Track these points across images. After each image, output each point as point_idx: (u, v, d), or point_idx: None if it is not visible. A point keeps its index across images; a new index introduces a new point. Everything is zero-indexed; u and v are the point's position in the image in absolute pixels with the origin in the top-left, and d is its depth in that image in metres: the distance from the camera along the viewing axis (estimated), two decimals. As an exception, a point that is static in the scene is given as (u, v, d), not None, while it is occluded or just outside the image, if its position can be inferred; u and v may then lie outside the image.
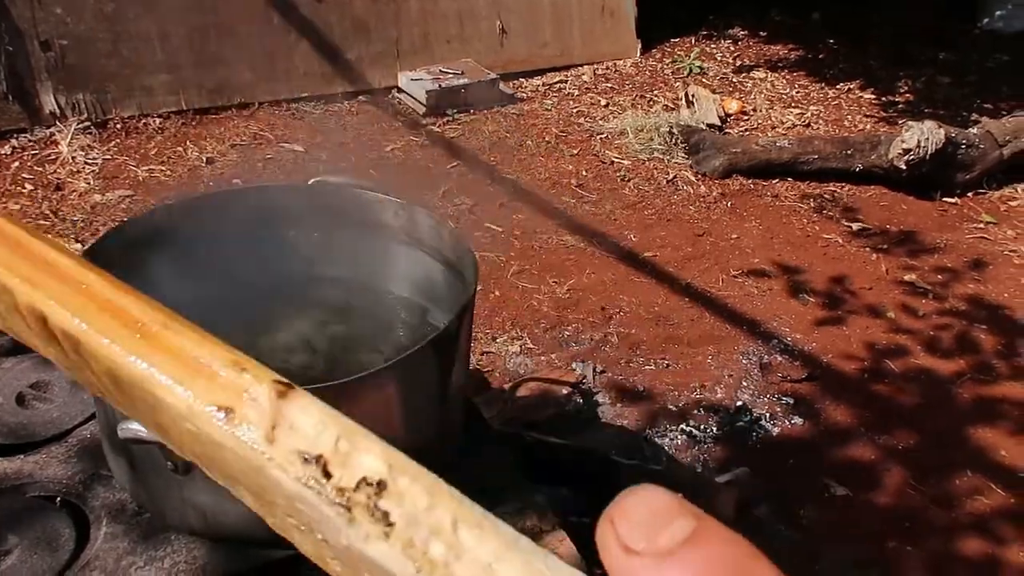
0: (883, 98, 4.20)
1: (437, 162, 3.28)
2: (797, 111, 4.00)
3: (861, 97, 4.21)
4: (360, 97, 3.77)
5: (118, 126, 3.27)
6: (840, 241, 2.84)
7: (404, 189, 3.04)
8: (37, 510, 1.04)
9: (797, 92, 4.20)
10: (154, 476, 0.99)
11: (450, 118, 3.65)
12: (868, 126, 3.87)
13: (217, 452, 0.19)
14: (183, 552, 1.00)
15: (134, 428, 0.88)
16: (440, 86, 3.70)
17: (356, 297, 1.35)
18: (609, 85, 4.16)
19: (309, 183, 1.38)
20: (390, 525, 0.17)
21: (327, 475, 0.17)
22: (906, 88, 4.30)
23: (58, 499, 1.07)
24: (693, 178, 3.21)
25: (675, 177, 3.21)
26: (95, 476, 1.10)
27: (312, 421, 0.17)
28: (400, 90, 3.84)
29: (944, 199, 3.17)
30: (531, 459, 1.43)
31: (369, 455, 0.17)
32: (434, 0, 3.98)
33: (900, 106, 4.11)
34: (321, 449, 0.17)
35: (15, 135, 3.09)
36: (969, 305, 2.50)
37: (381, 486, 0.17)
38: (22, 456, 1.12)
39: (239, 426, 0.18)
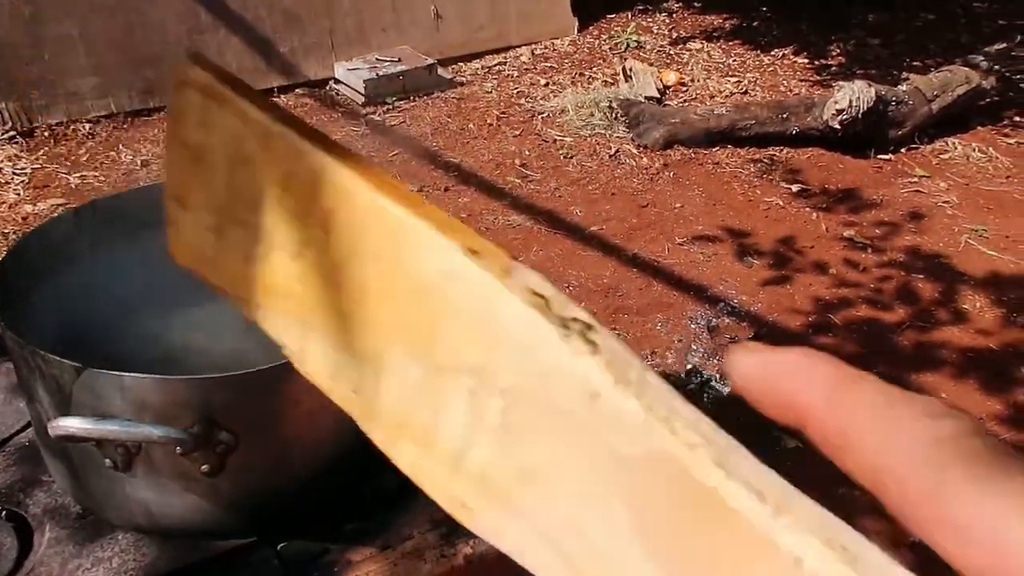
0: (816, 62, 4.28)
1: (379, 151, 3.26)
2: (734, 79, 4.05)
3: (795, 62, 4.28)
4: (297, 90, 3.72)
5: (45, 134, 3.17)
6: (781, 203, 2.90)
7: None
8: (-25, 522, 1.01)
9: (733, 61, 4.26)
10: (94, 476, 0.97)
11: (390, 106, 3.62)
12: (803, 90, 3.95)
13: (449, 283, 0.21)
14: (131, 551, 0.99)
15: (65, 424, 0.86)
16: (377, 75, 3.67)
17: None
18: (548, 64, 4.16)
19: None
20: (596, 349, 0.20)
21: (548, 307, 0.20)
22: (838, 51, 4.39)
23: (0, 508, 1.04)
24: (635, 151, 3.24)
25: (617, 151, 3.24)
26: (35, 482, 1.08)
27: (536, 279, 0.21)
28: (337, 81, 3.80)
29: (879, 156, 3.25)
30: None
31: (580, 310, 0.21)
32: (365, -12, 3.94)
33: (833, 69, 4.20)
34: (545, 292, 0.20)
35: (-64, 149, 2.98)
36: (907, 256, 2.57)
37: (590, 328, 0.20)
38: (-44, 469, 1.09)
39: (481, 261, 0.21)
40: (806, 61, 4.28)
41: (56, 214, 2.73)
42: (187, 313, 1.23)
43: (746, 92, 3.92)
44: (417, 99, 3.69)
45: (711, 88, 3.95)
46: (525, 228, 2.71)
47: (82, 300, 1.15)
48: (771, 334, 2.20)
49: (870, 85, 3.19)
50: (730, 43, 4.47)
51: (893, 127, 3.26)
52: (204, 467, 0.93)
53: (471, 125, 3.48)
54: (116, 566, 0.97)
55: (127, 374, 0.87)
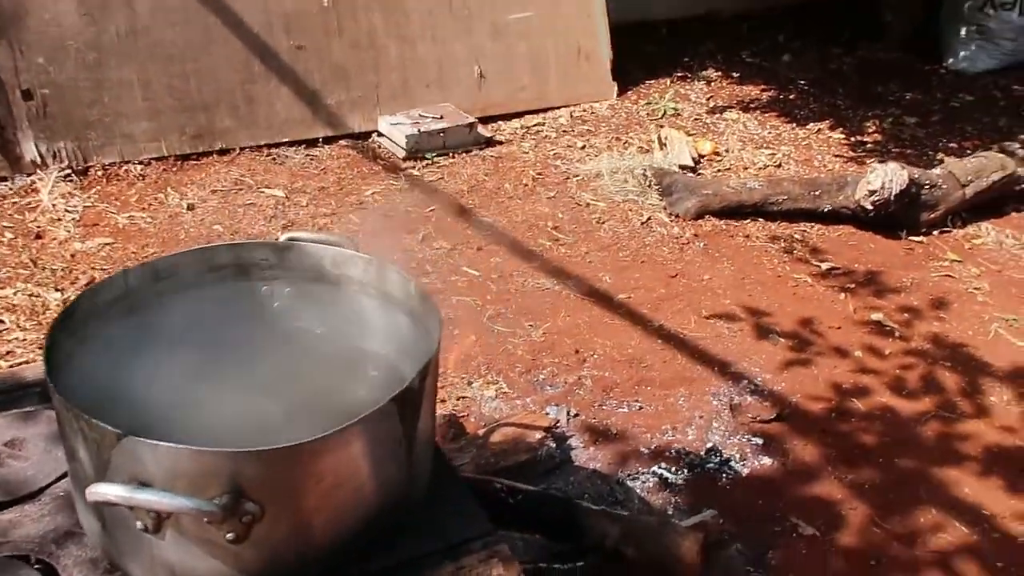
0: (852, 138, 4.31)
1: (416, 206, 3.34)
2: (768, 151, 4.10)
3: (831, 137, 4.32)
4: (341, 141, 3.84)
5: (99, 173, 3.31)
6: (809, 281, 2.91)
7: (384, 234, 3.11)
8: (11, 568, 1.06)
9: (768, 133, 4.31)
10: (125, 535, 1.01)
11: (429, 161, 3.72)
12: (837, 166, 3.98)
13: None
14: (153, 609, 1.02)
15: (102, 491, 0.91)
16: (419, 130, 3.77)
17: (327, 351, 1.39)
18: (586, 127, 4.25)
19: (280, 240, 1.42)
20: None
21: None
22: (874, 128, 4.43)
23: (31, 557, 1.09)
24: (667, 219, 3.28)
25: (649, 219, 3.28)
26: (68, 534, 1.12)
27: None
28: (380, 134, 3.91)
29: (911, 238, 3.25)
30: (500, 505, 1.46)
31: None
32: (413, 47, 4.07)
33: (868, 145, 4.23)
34: None
35: (-4, 183, 3.12)
36: (933, 344, 2.56)
37: None
38: (-4, 514, 1.14)
39: None
40: (842, 136, 4.31)
41: (102, 251, 2.83)
42: (221, 380, 1.28)
43: (780, 165, 3.96)
44: (456, 156, 3.78)
45: (745, 159, 3.99)
46: (554, 292, 2.75)
47: (122, 361, 1.21)
48: (792, 416, 2.20)
49: (903, 167, 3.22)
50: (766, 114, 4.53)
51: (926, 210, 3.27)
52: (229, 535, 0.97)
53: (507, 185, 3.56)
54: (138, 624, 1.01)
55: (162, 443, 0.92)
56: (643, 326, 2.56)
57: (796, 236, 3.22)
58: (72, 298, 2.54)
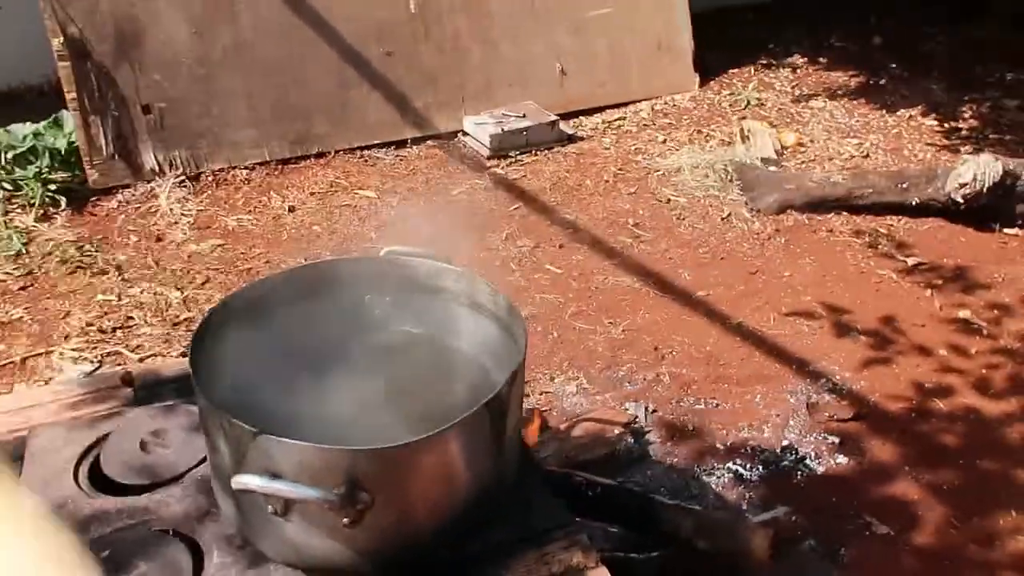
0: (946, 125, 4.19)
1: (500, 204, 3.47)
2: (855, 141, 4.03)
3: (923, 124, 4.21)
4: (428, 142, 4.00)
5: (209, 179, 3.58)
6: (894, 277, 2.89)
7: (470, 233, 3.25)
8: (160, 541, 1.24)
9: (856, 121, 4.24)
10: (257, 517, 1.18)
11: (513, 159, 3.84)
12: (929, 155, 3.88)
13: None
14: (280, 580, 1.19)
15: (244, 481, 1.07)
16: (503, 129, 3.90)
17: (425, 355, 1.53)
18: (667, 120, 4.28)
19: (381, 254, 1.57)
20: None
21: None
22: (970, 113, 4.28)
23: (177, 533, 1.27)
24: (747, 215, 3.30)
25: (730, 214, 3.31)
26: (207, 513, 1.31)
27: None
28: (465, 134, 4.06)
29: (1005, 231, 3.17)
30: (580, 497, 1.57)
31: None
32: (495, 47, 4.20)
33: (963, 133, 4.10)
34: None
35: (120, 190, 3.42)
36: (1023, 343, 2.52)
37: None
38: (147, 495, 1.34)
39: None
40: (935, 123, 4.19)
41: (215, 252, 3.08)
42: (332, 382, 1.44)
43: (867, 155, 3.90)
44: (539, 153, 3.89)
45: (831, 150, 3.95)
46: (634, 290, 2.83)
47: (249, 363, 1.38)
48: (871, 416, 2.22)
49: (997, 158, 3.13)
50: (854, 102, 4.45)
51: (1022, 202, 3.18)
52: (345, 520, 1.12)
53: (588, 181, 3.65)
54: (268, 592, 1.17)
55: (291, 441, 1.08)
56: (722, 323, 2.62)
57: (881, 230, 3.19)
58: (191, 296, 2.81)
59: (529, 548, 1.27)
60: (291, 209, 3.40)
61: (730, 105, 4.44)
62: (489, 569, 1.23)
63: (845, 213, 3.29)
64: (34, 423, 1.51)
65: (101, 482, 1.38)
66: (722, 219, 3.28)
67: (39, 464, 1.40)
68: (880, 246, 3.09)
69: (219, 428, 1.15)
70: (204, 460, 1.41)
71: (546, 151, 3.92)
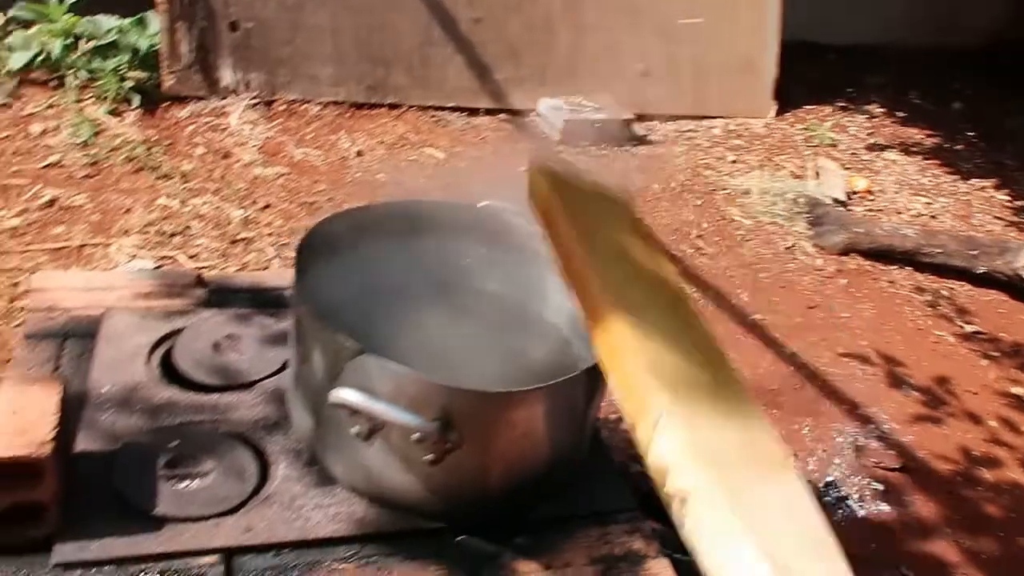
0: (1016, 202, 4.13)
1: (565, 190, 3.43)
2: (925, 200, 3.98)
3: (994, 197, 4.15)
4: (500, 115, 3.97)
5: (282, 107, 3.55)
6: (951, 340, 2.85)
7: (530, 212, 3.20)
8: (229, 443, 1.22)
9: (928, 180, 4.18)
10: (336, 436, 1.15)
11: (581, 150, 3.80)
12: (997, 228, 3.83)
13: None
14: (345, 504, 1.16)
15: (343, 396, 1.05)
16: (576, 117, 3.86)
17: (508, 315, 1.50)
18: (739, 142, 4.23)
19: (479, 205, 1.54)
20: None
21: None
22: (1043, 195, 4.22)
23: (243, 437, 1.25)
24: (811, 249, 3.26)
25: (793, 245, 3.27)
26: (275, 424, 1.28)
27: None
28: (539, 115, 4.02)
29: (1067, 317, 3.12)
30: (634, 491, 1.54)
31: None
32: (583, 35, 4.15)
33: (1034, 213, 4.04)
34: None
35: (193, 101, 3.40)
36: (1076, 429, 2.48)
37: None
38: (217, 395, 1.31)
39: None
40: (1006, 198, 4.13)
41: (279, 180, 3.06)
42: (415, 321, 1.42)
43: (935, 216, 3.85)
44: (608, 148, 3.85)
45: (899, 204, 3.90)
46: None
47: (351, 285, 1.36)
48: (917, 471, 2.18)
49: (1074, 244, 3.08)
50: (928, 161, 4.39)
51: (1089, 291, 3.13)
52: (428, 456, 1.09)
53: (655, 185, 3.61)
54: (332, 514, 1.15)
55: (396, 365, 1.05)
56: (775, 350, 2.58)
57: (943, 292, 3.14)
58: (251, 217, 2.79)
59: (593, 526, 1.25)
60: (359, 153, 3.37)
61: (804, 139, 4.39)
62: (552, 538, 1.21)
63: (908, 268, 3.24)
64: (107, 305, 1.49)
65: (171, 375, 1.36)
66: (786, 248, 3.24)
67: (112, 345, 1.38)
68: (940, 307, 3.04)
69: (317, 340, 1.12)
70: (277, 372, 1.38)
71: (616, 148, 3.88)
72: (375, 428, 1.10)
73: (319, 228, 1.33)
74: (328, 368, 1.11)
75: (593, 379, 1.20)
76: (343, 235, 1.39)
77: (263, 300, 1.58)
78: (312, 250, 1.31)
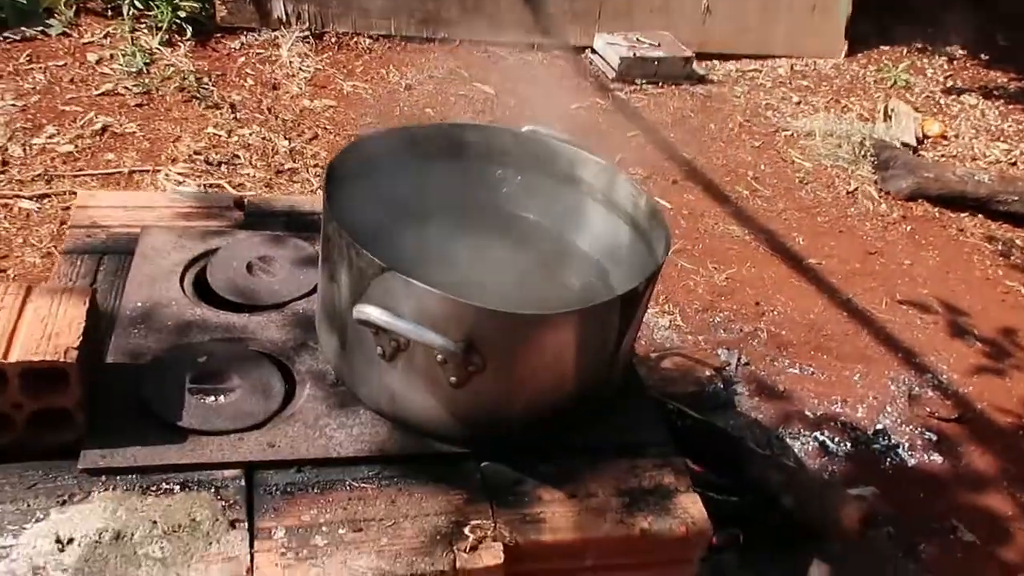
0: (1106, 150, 3.85)
1: (618, 128, 3.33)
2: (1005, 147, 3.74)
3: (1080, 145, 3.88)
4: (554, 51, 3.86)
5: (333, 40, 3.51)
6: (1022, 291, 2.69)
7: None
8: (256, 361, 1.22)
9: (1009, 126, 3.93)
10: (360, 357, 1.14)
11: (638, 87, 3.68)
12: (1081, 177, 3.58)
13: None
14: (368, 425, 1.15)
15: (367, 312, 1.02)
16: (634, 54, 3.72)
17: (545, 241, 1.45)
18: (805, 83, 4.04)
19: (523, 129, 1.48)
20: None
21: None
22: None
23: (270, 356, 1.24)
24: (875, 194, 3.10)
25: (856, 190, 3.12)
26: (303, 345, 1.27)
27: None
28: (594, 51, 3.89)
29: None
30: (669, 427, 1.50)
31: None
32: (645, -32, 3.98)
33: (1123, 164, 3.76)
34: None
35: (245, 33, 3.39)
36: None
37: None
38: (248, 315, 1.31)
39: None
40: (1094, 146, 3.86)
41: (327, 112, 3.04)
42: (450, 245, 1.38)
43: (1015, 163, 3.62)
44: (666, 86, 3.72)
45: (975, 149, 3.67)
46: (743, 242, 2.70)
47: (384, 207, 1.33)
48: (975, 421, 2.09)
49: None
50: (1011, 106, 4.12)
51: None
52: (452, 378, 1.07)
53: (712, 125, 3.47)
54: (355, 434, 1.14)
55: (420, 284, 1.02)
56: (830, 295, 2.48)
57: (1018, 241, 2.96)
58: (298, 148, 2.78)
59: (622, 457, 1.21)
60: (408, 87, 3.32)
61: (875, 81, 4.16)
62: (577, 467, 1.18)
63: (980, 216, 3.07)
64: (147, 223, 1.50)
65: (205, 294, 1.36)
66: (848, 192, 3.09)
67: (148, 262, 1.38)
68: (1013, 256, 2.87)
69: (344, 257, 1.09)
70: (308, 294, 1.37)
71: (673, 86, 3.74)
72: (399, 348, 1.07)
73: (354, 148, 1.30)
74: (353, 286, 1.09)
75: (628, 308, 1.15)
76: (379, 157, 1.35)
77: (299, 224, 1.57)
78: (345, 170, 1.27)
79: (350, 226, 1.14)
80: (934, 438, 2.01)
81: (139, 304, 1.29)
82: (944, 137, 3.73)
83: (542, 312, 1.04)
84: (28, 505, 0.98)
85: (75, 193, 2.24)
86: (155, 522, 0.98)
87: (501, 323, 1.03)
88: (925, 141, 3.66)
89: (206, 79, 3.04)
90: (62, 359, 0.99)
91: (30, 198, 2.31)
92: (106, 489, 1.01)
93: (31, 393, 1.00)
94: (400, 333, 1.01)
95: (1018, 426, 2.11)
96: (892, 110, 3.73)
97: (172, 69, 3.03)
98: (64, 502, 0.99)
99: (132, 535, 0.97)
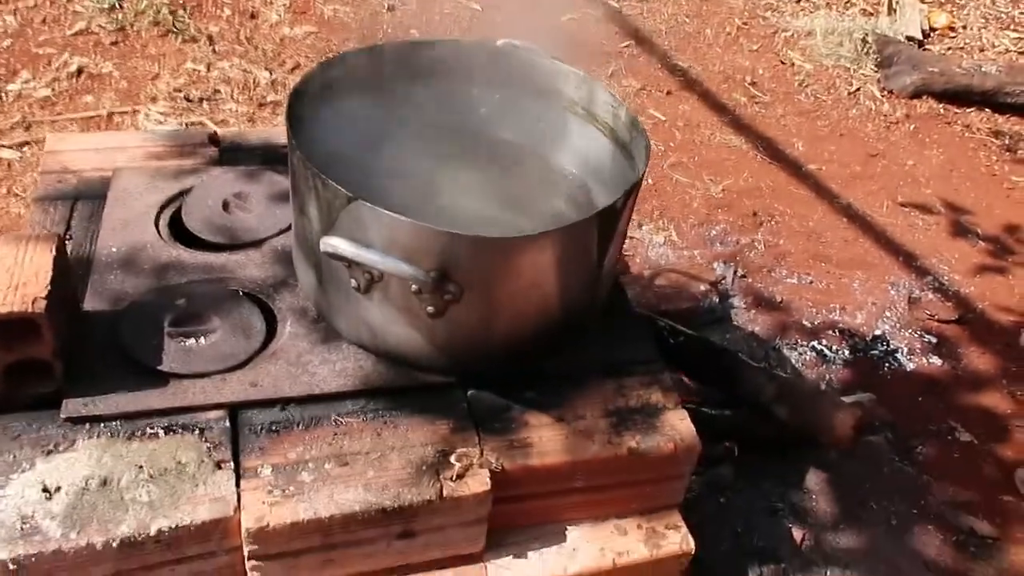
0: (1122, 34, 3.69)
1: (610, 39, 3.22)
2: (1015, 35, 3.59)
3: (1096, 29, 3.72)
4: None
5: (310, -38, 3.37)
6: (1028, 186, 2.63)
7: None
8: (236, 300, 1.20)
9: (1021, 13, 3.76)
10: (336, 291, 1.12)
11: (630, -6, 3.53)
12: (1095, 63, 3.44)
13: None
14: (351, 360, 1.15)
15: (334, 244, 1.00)
16: (625, -42, 3.56)
17: (525, 161, 1.41)
18: (805, -22, 3.86)
19: (497, 43, 1.42)
20: None
21: None
22: None
23: (250, 295, 1.23)
24: (878, 93, 3.00)
25: (858, 90, 3.02)
26: (283, 282, 1.26)
27: None
28: (584, -44, 3.72)
29: None
30: (661, 344, 1.49)
31: None
32: None
33: None
34: None
35: (218, -41, 3.24)
36: None
37: None
38: (226, 254, 1.29)
39: None
40: (1108, 31, 3.70)
41: (307, 39, 2.94)
42: (426, 169, 1.34)
43: (1023, 53, 3.48)
44: (659, -9, 3.56)
45: (984, 40, 3.53)
46: (740, 151, 2.63)
47: (345, 134, 1.29)
48: (975, 322, 2.06)
49: None
50: (1022, -9, 3.93)
51: None
52: (429, 308, 1.05)
53: (708, 30, 3.34)
54: (338, 369, 1.14)
55: (388, 212, 0.99)
56: (830, 201, 2.42)
57: (1025, 134, 2.88)
58: (279, 79, 2.70)
59: (608, 378, 1.21)
60: (390, 8, 3.20)
61: (880, -28, 3.96)
62: (564, 391, 1.17)
63: (987, 110, 2.97)
64: (118, 165, 1.46)
65: (180, 234, 1.33)
66: (849, 93, 2.99)
67: (121, 205, 1.36)
68: (1020, 151, 2.79)
69: (311, 189, 1.06)
70: (285, 230, 1.35)
71: (667, -10, 3.58)
72: (372, 280, 1.05)
73: (318, 72, 1.25)
74: (322, 218, 1.06)
75: (607, 225, 1.12)
76: (345, 80, 1.30)
77: (276, 157, 1.53)
78: (311, 96, 1.23)
79: (317, 155, 1.11)
80: (934, 341, 1.99)
81: (114, 249, 1.27)
82: (951, 28, 3.58)
83: (512, 235, 1.01)
84: (14, 456, 0.99)
85: (53, 138, 2.19)
86: (141, 467, 0.99)
87: (472, 249, 1.01)
88: (932, 34, 3.51)
89: (181, 11, 2.93)
90: (30, 309, 0.97)
91: (10, 147, 2.27)
92: (90, 437, 1.02)
93: (4, 345, 0.99)
94: (369, 265, 0.99)
95: (1019, 324, 2.09)
96: (897, 2, 3.57)
97: (146, 3, 2.92)
98: (49, 452, 1.00)
99: (119, 481, 0.97)
